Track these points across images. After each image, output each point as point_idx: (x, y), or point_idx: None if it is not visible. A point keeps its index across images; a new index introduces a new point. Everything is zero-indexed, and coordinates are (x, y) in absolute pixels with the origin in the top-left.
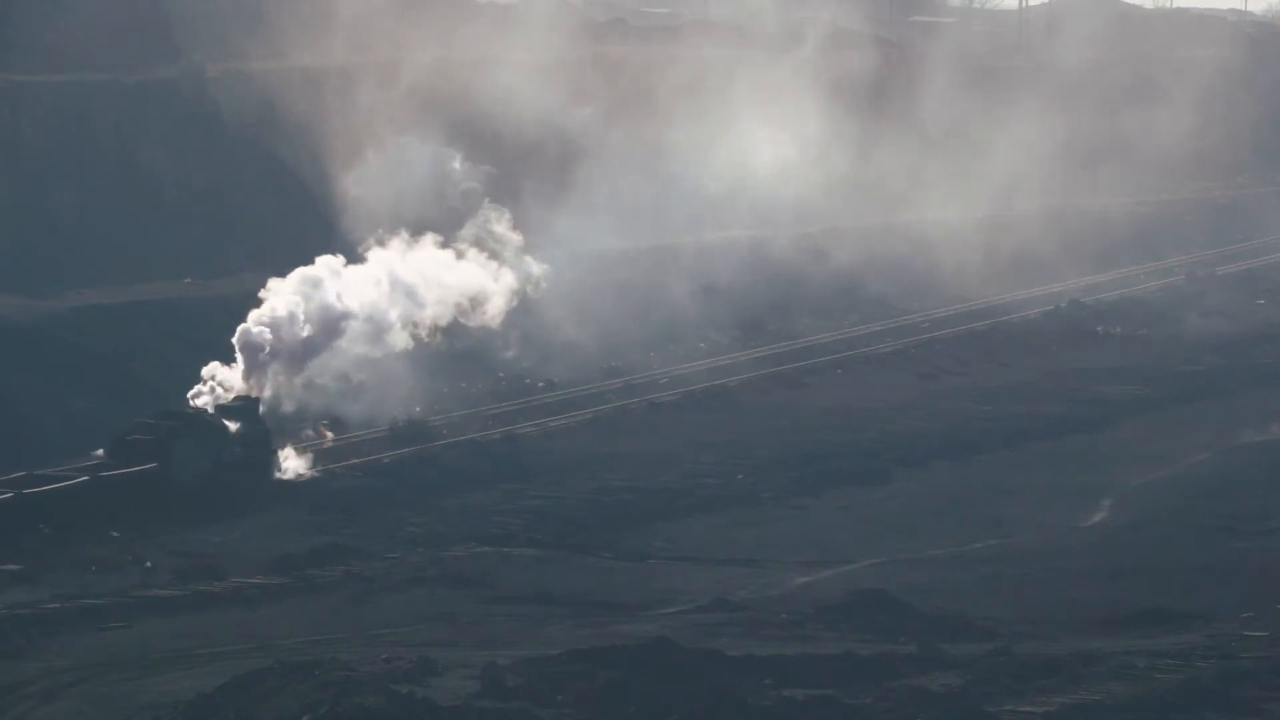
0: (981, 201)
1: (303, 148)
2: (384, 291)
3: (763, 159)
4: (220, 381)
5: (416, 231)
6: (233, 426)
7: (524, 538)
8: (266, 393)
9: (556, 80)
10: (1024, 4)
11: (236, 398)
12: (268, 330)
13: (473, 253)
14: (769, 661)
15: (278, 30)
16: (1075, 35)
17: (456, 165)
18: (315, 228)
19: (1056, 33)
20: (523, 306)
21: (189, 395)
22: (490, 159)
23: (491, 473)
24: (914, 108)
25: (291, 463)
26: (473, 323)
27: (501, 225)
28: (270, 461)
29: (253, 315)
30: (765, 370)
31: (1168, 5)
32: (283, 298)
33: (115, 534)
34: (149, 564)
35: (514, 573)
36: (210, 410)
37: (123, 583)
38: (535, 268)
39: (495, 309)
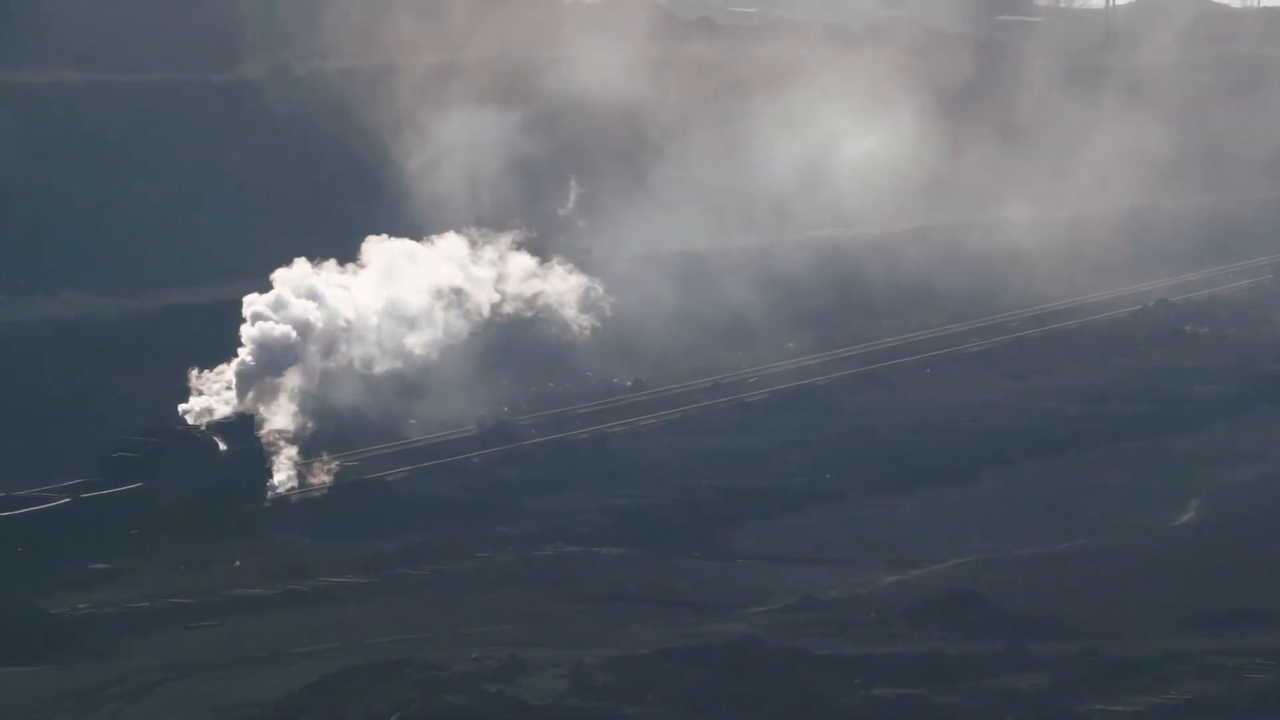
0: (1068, 200)
1: (385, 147)
2: (453, 290)
3: (846, 158)
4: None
5: (497, 229)
6: (223, 444)
7: (612, 537)
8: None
9: (639, 79)
10: (1110, 3)
11: (230, 414)
12: (279, 335)
13: (557, 253)
14: (857, 660)
15: (363, 29)
16: (1162, 34)
17: (538, 164)
18: (398, 227)
19: (1143, 31)
20: (607, 306)
21: (181, 410)
22: (571, 157)
23: (580, 472)
24: (1000, 107)
25: (285, 481)
26: (554, 321)
27: (585, 224)
28: (262, 481)
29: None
30: (853, 370)
31: (1256, 4)
32: (300, 303)
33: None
34: (237, 563)
35: (602, 572)
36: (201, 427)
37: (211, 581)
38: (617, 267)
39: (579, 308)
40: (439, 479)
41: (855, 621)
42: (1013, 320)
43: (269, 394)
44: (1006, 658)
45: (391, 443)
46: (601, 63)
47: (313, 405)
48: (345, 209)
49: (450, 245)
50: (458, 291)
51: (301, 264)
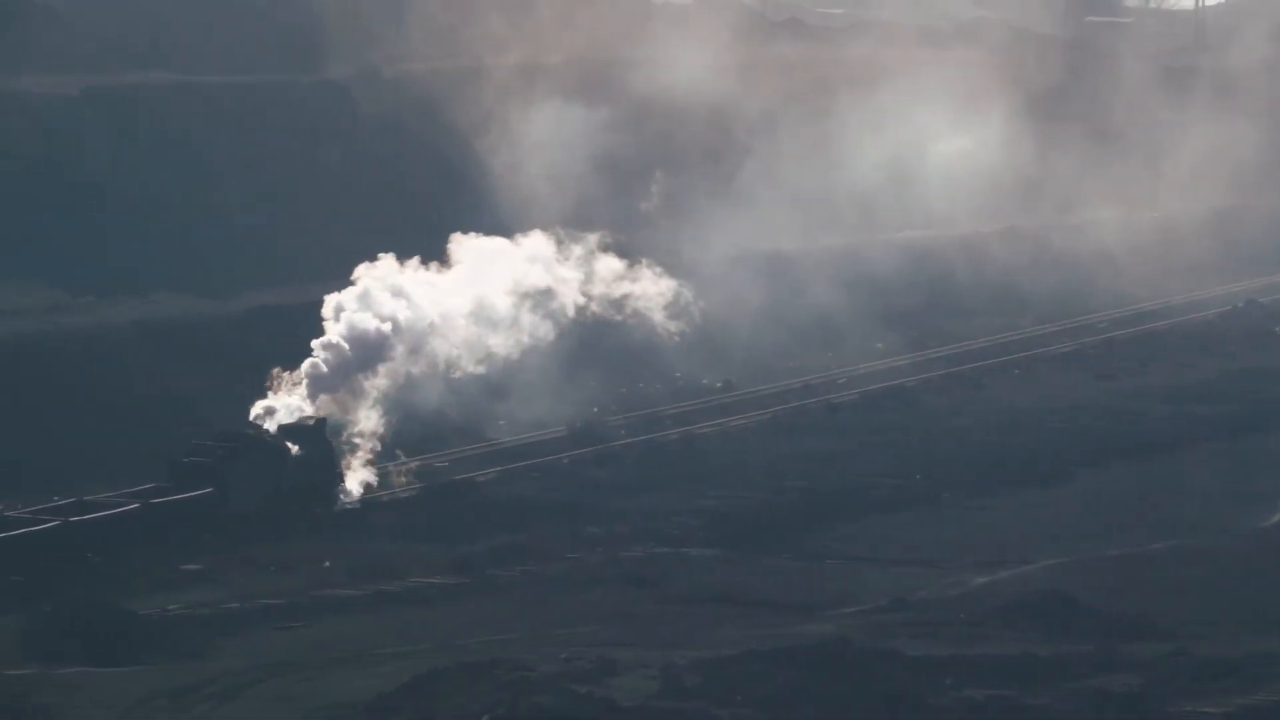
0: (1157, 201)
1: (472, 147)
2: (540, 290)
3: (934, 159)
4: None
5: (584, 229)
6: (294, 449)
7: (702, 538)
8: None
9: (727, 79)
10: (1200, 3)
11: (303, 418)
12: (362, 333)
13: (644, 254)
14: (948, 661)
15: (449, 30)
16: (1252, 34)
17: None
18: (485, 226)
19: (1233, 31)
20: (696, 308)
21: (252, 414)
22: (658, 157)
23: (669, 473)
24: (1089, 107)
25: (359, 487)
26: (642, 323)
27: (672, 224)
28: (334, 486)
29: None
30: (942, 370)
31: None
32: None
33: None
34: (327, 564)
35: (692, 573)
36: (271, 432)
37: (301, 582)
38: (705, 267)
39: (667, 310)
40: (529, 480)
41: (945, 622)
42: (1102, 321)
43: (352, 394)
44: (1097, 658)
45: (480, 443)
46: (689, 62)
47: (397, 405)
48: (432, 209)
49: (537, 245)
50: (544, 292)
51: (388, 260)
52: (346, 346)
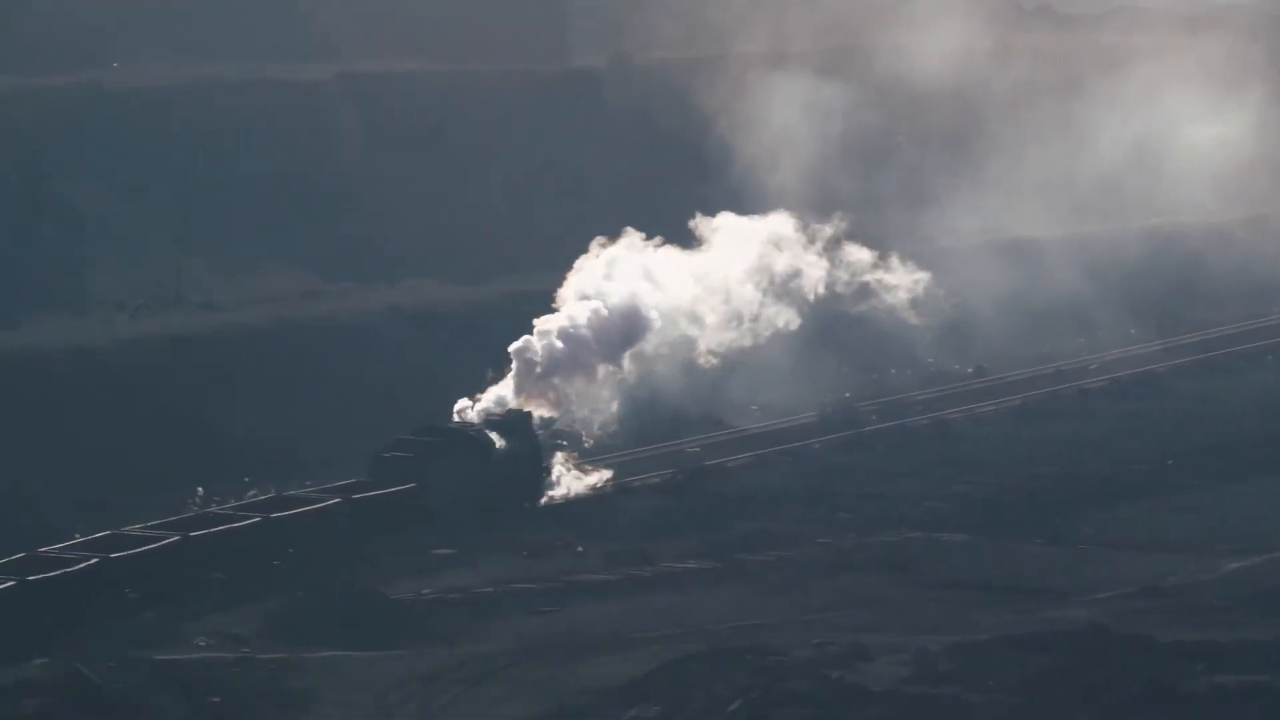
0: None
1: (718, 134)
2: (785, 275)
3: (1183, 145)
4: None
5: (830, 214)
6: (499, 442)
7: (954, 523)
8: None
9: (976, 64)
10: None
11: (506, 411)
12: (561, 334)
13: (891, 239)
14: (1200, 648)
15: (698, 16)
16: None
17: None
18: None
19: None
20: (943, 294)
21: (456, 409)
22: (905, 143)
23: (921, 459)
24: None
25: (567, 481)
26: (890, 308)
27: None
28: (540, 480)
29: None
30: (1193, 356)
31: None
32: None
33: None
34: (580, 549)
35: (944, 558)
36: (476, 425)
37: (554, 567)
38: (953, 253)
39: (915, 295)
40: (780, 466)
41: (1198, 608)
42: None
43: (581, 380)
44: None
45: (729, 429)
46: (936, 47)
47: (637, 391)
48: (679, 195)
49: (781, 227)
50: (789, 276)
51: (631, 239)
52: (571, 333)
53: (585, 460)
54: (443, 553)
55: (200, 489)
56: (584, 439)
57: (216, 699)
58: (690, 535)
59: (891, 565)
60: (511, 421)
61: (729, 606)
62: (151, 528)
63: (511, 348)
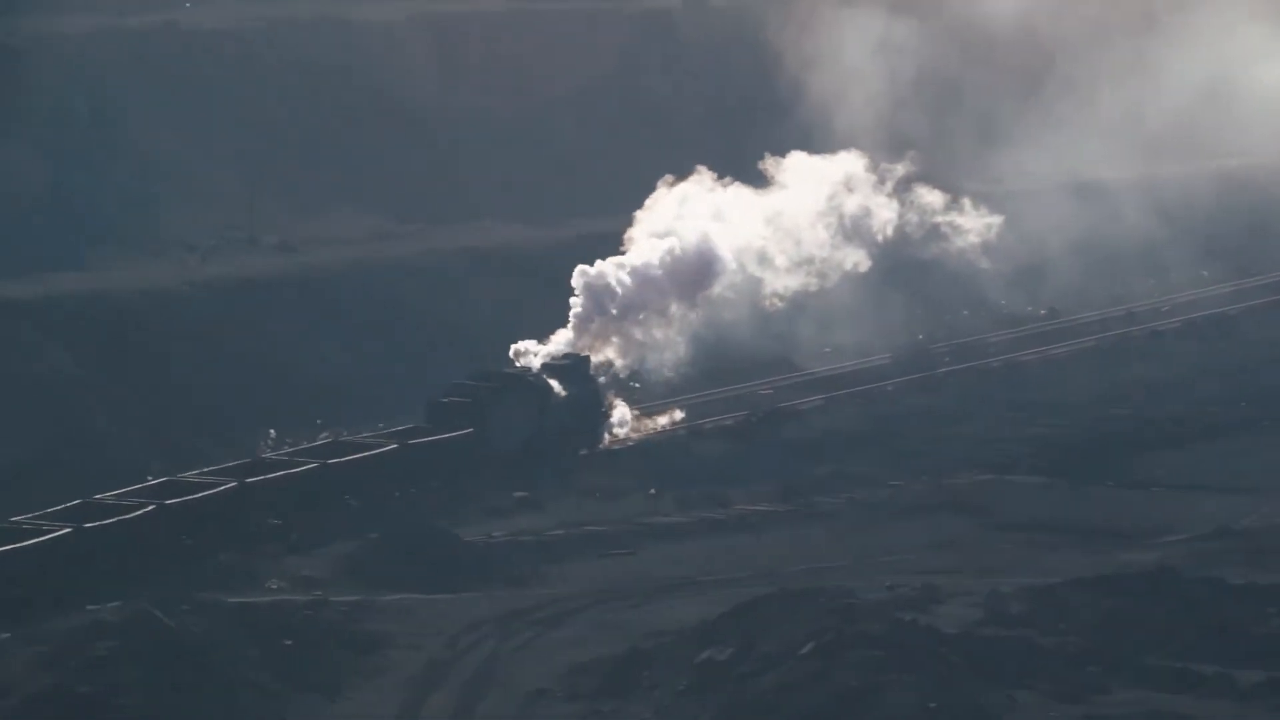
0: None
1: (790, 71)
2: (855, 214)
3: (1256, 85)
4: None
5: (900, 154)
6: (558, 388)
7: (1027, 465)
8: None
9: (1050, 5)
10: None
11: (565, 355)
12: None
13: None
14: (1272, 590)
15: None
16: None
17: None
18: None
19: None
20: (1014, 235)
21: (512, 353)
22: (975, 83)
23: (994, 401)
24: None
25: (624, 427)
26: (961, 250)
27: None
28: (599, 425)
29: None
30: (1266, 299)
31: None
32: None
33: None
34: (652, 491)
35: (1017, 500)
36: (534, 370)
37: (627, 510)
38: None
39: (986, 237)
40: (853, 407)
41: (1270, 550)
42: None
43: (653, 316)
44: None
45: (800, 372)
46: None
47: (706, 333)
48: (751, 134)
49: (852, 167)
50: (861, 217)
51: (702, 178)
52: (643, 273)
53: (653, 404)
54: (517, 495)
55: (272, 431)
56: (651, 382)
57: (289, 642)
58: (763, 478)
59: (964, 508)
60: (570, 366)
61: (801, 549)
62: (208, 473)
63: (577, 286)
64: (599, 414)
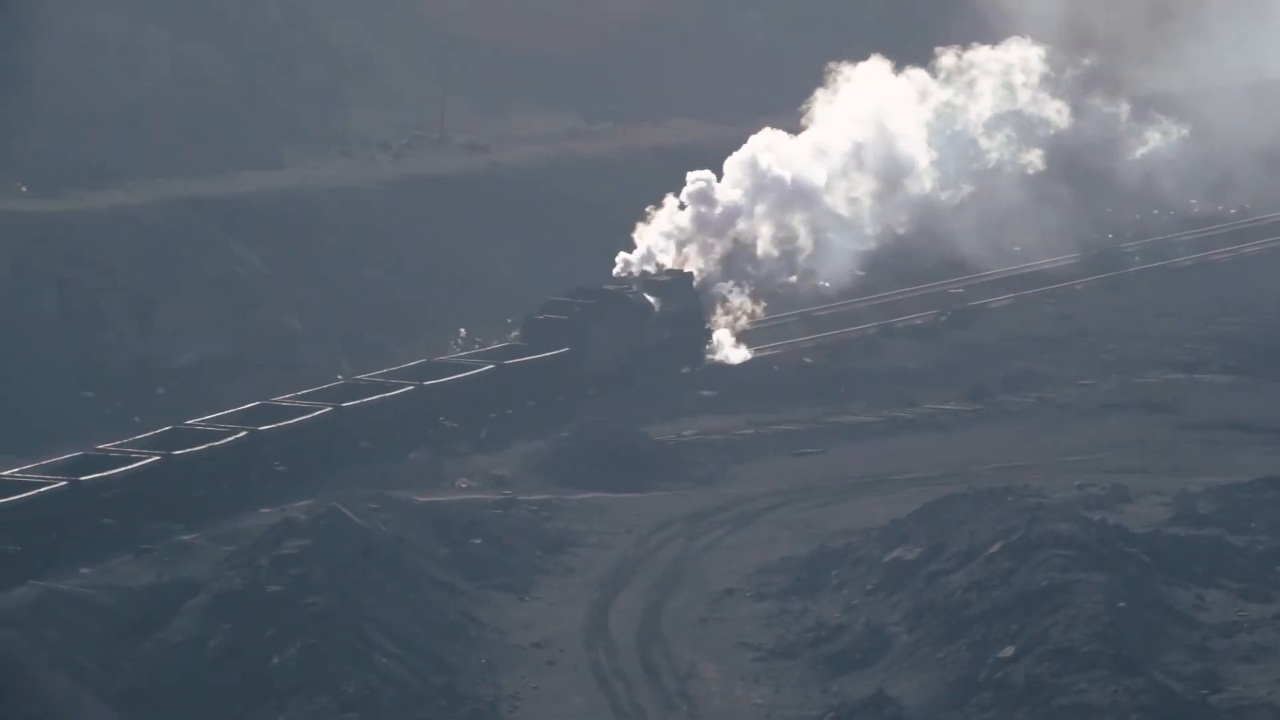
0: None
1: None
2: (1024, 110)
3: None
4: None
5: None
6: (657, 304)
7: (1216, 364)
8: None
9: None
10: None
11: (667, 271)
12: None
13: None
14: None
15: None
16: None
17: None
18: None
19: None
20: (1201, 137)
21: (617, 267)
22: None
23: (1183, 300)
24: None
25: (728, 348)
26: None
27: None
28: (700, 344)
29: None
30: None
31: None
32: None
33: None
34: (842, 390)
35: (1206, 399)
36: (634, 287)
37: (816, 410)
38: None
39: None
40: (1042, 306)
41: None
42: None
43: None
44: None
45: (990, 271)
46: None
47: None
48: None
49: (1026, 58)
50: (1044, 117)
51: (875, 64)
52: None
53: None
54: (706, 393)
55: (462, 330)
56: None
57: (478, 540)
58: (952, 377)
59: (1153, 406)
60: (672, 282)
61: (990, 448)
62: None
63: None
64: (701, 331)
